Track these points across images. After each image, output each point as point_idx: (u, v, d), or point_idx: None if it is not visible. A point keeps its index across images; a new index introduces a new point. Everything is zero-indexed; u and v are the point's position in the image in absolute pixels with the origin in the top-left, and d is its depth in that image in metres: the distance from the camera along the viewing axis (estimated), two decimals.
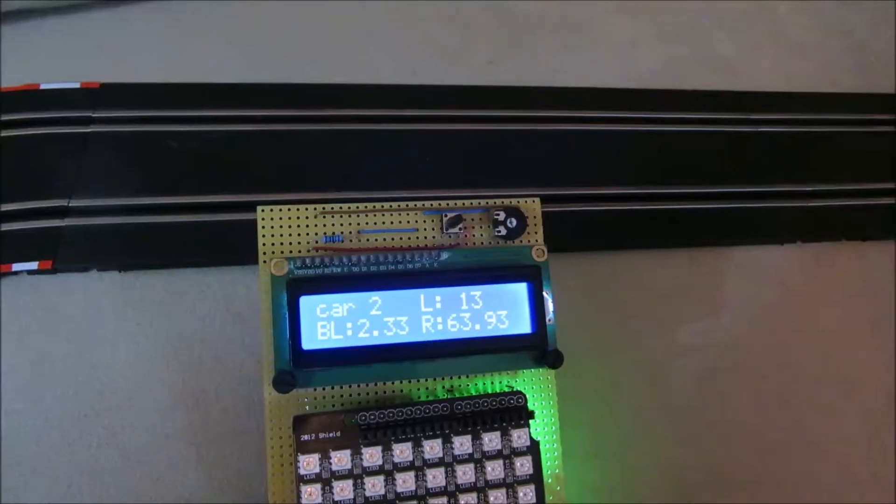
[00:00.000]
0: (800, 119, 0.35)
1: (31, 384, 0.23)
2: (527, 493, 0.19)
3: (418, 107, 0.31)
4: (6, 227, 0.26)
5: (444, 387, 0.20)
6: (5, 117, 0.29)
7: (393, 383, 0.19)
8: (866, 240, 0.32)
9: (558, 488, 0.20)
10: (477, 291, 0.19)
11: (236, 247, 0.26)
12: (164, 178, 0.28)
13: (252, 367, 0.23)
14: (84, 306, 0.25)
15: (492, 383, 0.20)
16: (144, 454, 0.23)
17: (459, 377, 0.20)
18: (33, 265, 0.25)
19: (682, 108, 0.34)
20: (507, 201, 0.21)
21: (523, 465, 0.19)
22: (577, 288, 0.28)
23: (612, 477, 0.24)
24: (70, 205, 0.27)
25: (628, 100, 0.34)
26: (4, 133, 0.28)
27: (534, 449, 0.19)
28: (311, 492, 0.18)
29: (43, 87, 0.30)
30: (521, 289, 0.19)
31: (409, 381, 0.19)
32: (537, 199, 0.21)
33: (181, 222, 0.27)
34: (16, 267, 0.25)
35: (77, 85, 0.30)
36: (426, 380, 0.19)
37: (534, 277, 0.19)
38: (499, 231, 0.20)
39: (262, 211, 0.20)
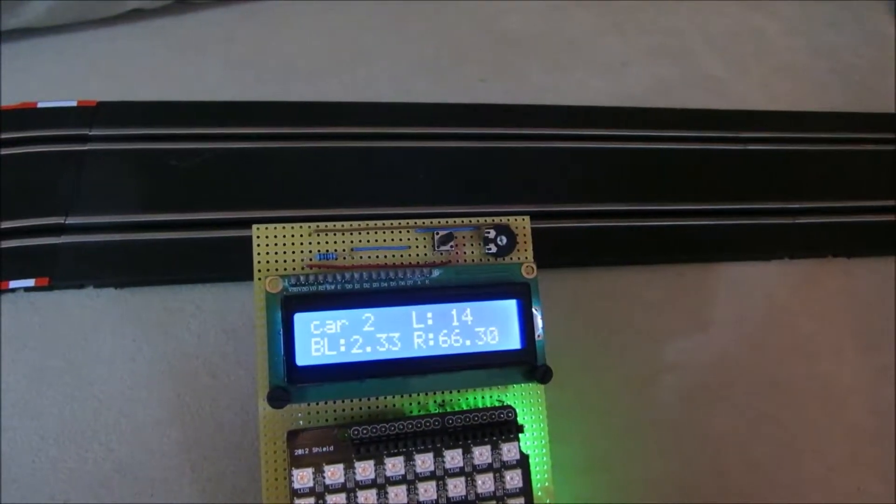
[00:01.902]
0: (787, 137, 0.36)
1: (29, 400, 0.23)
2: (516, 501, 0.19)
3: (412, 124, 0.31)
4: (4, 244, 0.26)
5: (435, 401, 0.20)
6: (2, 136, 0.29)
7: (385, 398, 0.20)
8: (851, 257, 0.33)
9: (548, 501, 0.21)
10: (467, 308, 0.20)
11: (231, 264, 0.26)
12: (161, 196, 0.28)
13: (247, 382, 0.24)
14: (81, 323, 0.25)
15: (482, 398, 0.20)
16: (140, 470, 0.23)
17: (451, 392, 0.20)
18: (30, 282, 0.26)
19: (671, 126, 0.35)
20: (497, 219, 0.21)
21: (513, 479, 0.19)
22: (566, 303, 0.28)
23: (601, 491, 0.24)
24: (67, 222, 0.27)
25: (618, 118, 0.35)
26: (2, 151, 0.29)
27: (523, 462, 0.19)
28: None
29: (40, 105, 0.31)
30: (510, 306, 0.20)
31: (402, 396, 0.20)
32: (527, 217, 0.22)
33: (177, 239, 0.27)
34: (13, 284, 0.25)
35: (74, 103, 0.31)
36: (418, 394, 0.20)
37: (523, 294, 0.20)
38: (489, 249, 0.21)
39: (257, 229, 0.20)
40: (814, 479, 0.27)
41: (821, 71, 0.40)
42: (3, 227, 0.27)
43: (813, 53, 0.41)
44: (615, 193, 0.32)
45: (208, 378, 0.24)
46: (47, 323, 0.25)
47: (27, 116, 0.30)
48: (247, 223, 0.21)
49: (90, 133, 0.30)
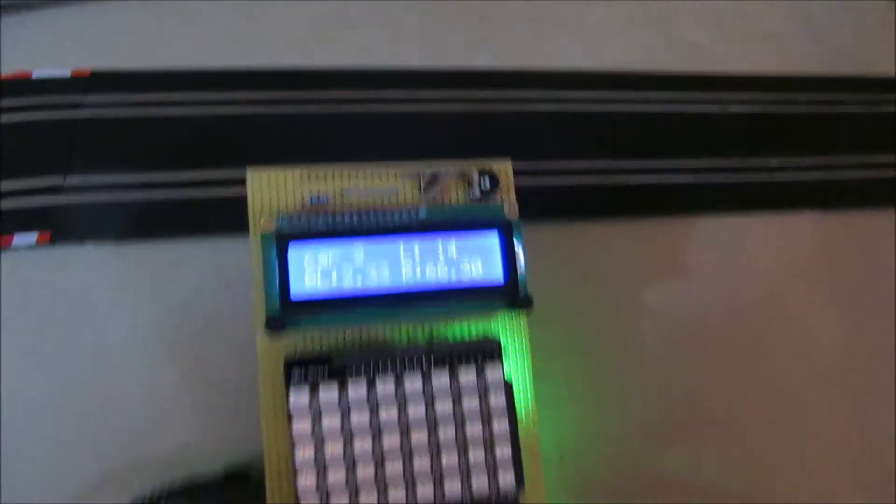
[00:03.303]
0: (766, 99, 0.37)
1: (30, 354, 0.24)
2: (500, 424, 0.20)
3: (398, 87, 0.32)
4: (6, 203, 0.27)
5: (423, 331, 0.21)
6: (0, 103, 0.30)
7: (376, 328, 0.21)
8: (827, 211, 0.34)
9: (531, 426, 0.22)
10: (452, 242, 0.21)
11: (225, 220, 0.28)
12: (155, 157, 0.29)
13: (243, 327, 0.25)
14: (81, 278, 0.26)
15: (468, 327, 0.21)
16: (142, 411, 0.24)
17: (437, 322, 0.21)
18: (32, 238, 0.27)
19: (652, 89, 0.36)
20: (480, 165, 0.22)
21: (497, 400, 0.21)
22: (550, 256, 0.29)
23: (582, 420, 0.26)
24: (66, 183, 0.28)
25: (601, 81, 0.36)
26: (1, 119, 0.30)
27: (507, 385, 0.21)
28: (301, 426, 0.19)
29: (35, 75, 0.31)
30: (493, 239, 0.21)
31: (391, 326, 0.21)
32: (509, 162, 0.23)
33: (172, 199, 0.28)
34: (16, 240, 0.26)
35: (68, 73, 0.32)
36: (407, 325, 0.21)
37: (505, 228, 0.21)
38: (473, 193, 0.22)
39: (252, 175, 0.21)
40: (785, 413, 0.28)
41: (801, 36, 0.41)
42: (3, 188, 0.28)
43: (793, 19, 0.42)
44: (598, 152, 0.33)
45: (206, 324, 0.26)
46: (49, 279, 0.26)
47: (23, 86, 0.31)
48: (240, 182, 0.22)
49: (85, 100, 0.31)
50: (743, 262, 0.32)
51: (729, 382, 0.28)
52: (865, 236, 0.34)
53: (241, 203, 0.21)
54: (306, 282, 0.20)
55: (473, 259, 0.21)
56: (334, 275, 0.20)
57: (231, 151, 0.29)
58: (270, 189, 0.21)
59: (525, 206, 0.23)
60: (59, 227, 0.27)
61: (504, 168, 0.23)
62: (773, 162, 0.35)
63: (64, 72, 0.32)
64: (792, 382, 0.29)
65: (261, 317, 0.20)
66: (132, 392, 0.24)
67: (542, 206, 0.30)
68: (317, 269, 0.20)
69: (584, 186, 0.32)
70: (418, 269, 0.20)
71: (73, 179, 0.28)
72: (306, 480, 0.19)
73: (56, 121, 0.30)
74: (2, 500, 0.22)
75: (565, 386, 0.27)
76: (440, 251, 0.21)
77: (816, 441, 0.28)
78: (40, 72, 0.31)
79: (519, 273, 0.21)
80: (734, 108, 0.36)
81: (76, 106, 0.30)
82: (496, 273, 0.21)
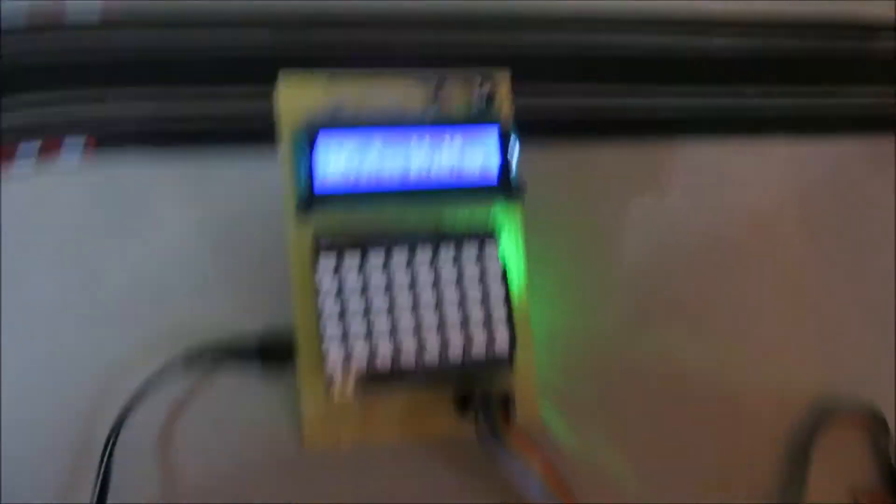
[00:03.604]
0: (752, 30, 0.40)
1: (78, 255, 0.28)
2: (496, 292, 0.24)
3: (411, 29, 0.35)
4: (54, 109, 0.30)
5: (431, 216, 0.25)
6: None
7: (391, 213, 0.24)
8: (801, 136, 0.37)
9: (523, 302, 0.26)
10: (458, 138, 0.24)
11: (256, 131, 0.31)
12: (191, 71, 0.32)
13: (274, 220, 0.28)
14: (123, 181, 0.30)
15: (470, 213, 0.25)
16: (182, 297, 0.27)
17: (444, 208, 0.25)
18: (80, 143, 0.30)
19: (642, 23, 0.38)
20: (483, 73, 0.26)
21: (494, 278, 0.24)
22: (547, 174, 0.32)
23: (570, 310, 0.29)
24: (106, 94, 0.31)
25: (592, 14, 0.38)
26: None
27: (502, 267, 0.24)
28: (327, 295, 0.23)
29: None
30: (492, 136, 0.24)
31: (405, 211, 0.24)
32: (507, 72, 0.26)
33: (206, 112, 0.31)
34: (65, 143, 0.30)
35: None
36: (418, 210, 0.25)
37: (503, 126, 0.24)
38: (476, 96, 0.25)
39: (283, 79, 0.24)
40: (753, 314, 0.32)
41: None
42: (51, 96, 0.31)
43: None
44: (593, 80, 0.36)
45: (238, 225, 0.29)
46: (93, 184, 0.30)
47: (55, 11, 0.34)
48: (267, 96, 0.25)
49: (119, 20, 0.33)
50: (721, 182, 0.35)
51: (704, 285, 0.32)
52: (838, 162, 0.37)
53: (269, 115, 0.24)
54: (331, 169, 0.23)
55: (475, 153, 0.24)
56: (355, 163, 0.23)
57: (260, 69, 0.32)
58: (299, 91, 0.24)
59: (525, 129, 0.26)
60: (105, 134, 0.30)
61: (503, 77, 0.26)
62: (751, 91, 0.37)
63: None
64: (761, 287, 0.32)
65: (291, 203, 0.24)
66: (177, 280, 0.28)
67: (540, 128, 0.33)
68: (340, 159, 0.23)
69: (579, 110, 0.35)
70: (427, 161, 0.24)
71: (115, 90, 0.31)
72: (332, 341, 0.23)
73: (94, 38, 0.33)
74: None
75: (557, 282, 0.30)
76: (446, 146, 0.24)
77: (777, 339, 0.31)
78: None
79: (513, 166, 0.25)
80: (718, 41, 0.39)
81: (115, 25, 0.33)
82: (493, 165, 0.24)
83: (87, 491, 0.23)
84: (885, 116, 0.38)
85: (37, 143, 0.30)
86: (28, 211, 0.28)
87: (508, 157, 0.24)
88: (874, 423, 0.28)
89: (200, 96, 0.31)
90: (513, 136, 0.25)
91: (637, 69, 0.37)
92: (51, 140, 0.30)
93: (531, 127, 0.27)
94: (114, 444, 0.23)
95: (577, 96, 0.35)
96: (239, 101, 0.31)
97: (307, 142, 0.23)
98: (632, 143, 0.35)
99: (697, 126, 0.36)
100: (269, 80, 0.26)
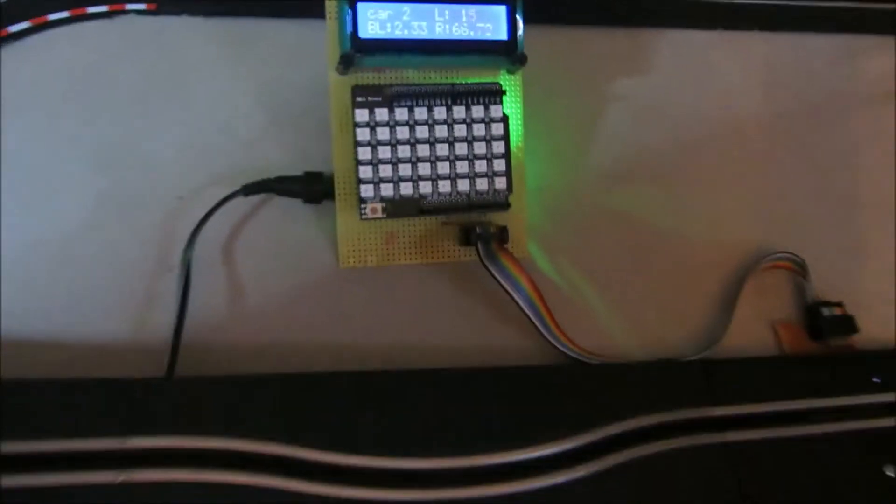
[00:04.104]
0: None
1: (145, 100, 0.33)
2: (498, 145, 0.29)
3: None
4: None
5: (448, 77, 0.30)
6: None
7: (415, 73, 0.29)
8: (771, 31, 0.41)
9: (519, 154, 0.31)
10: (473, 10, 0.29)
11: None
12: None
13: (319, 78, 0.32)
14: (179, 42, 0.34)
15: (479, 77, 0.30)
16: (238, 140, 0.32)
17: (458, 71, 0.30)
18: (142, 6, 0.34)
19: None
20: None
21: (497, 129, 0.30)
22: (544, 50, 0.37)
23: (558, 167, 0.35)
24: None
25: None
26: None
27: (505, 119, 0.30)
28: (363, 135, 0.28)
29: None
30: (501, 9, 0.29)
31: (426, 72, 0.29)
32: None
33: None
34: (129, 6, 0.34)
35: None
36: (437, 71, 0.30)
37: (511, 1, 0.29)
38: None
39: None
40: (715, 174, 0.37)
41: None
42: None
43: None
44: None
45: (283, 83, 0.34)
46: (151, 42, 0.34)
47: None
48: None
49: None
50: (699, 67, 0.40)
51: (674, 152, 0.37)
52: (802, 55, 0.42)
53: None
54: (369, 30, 0.28)
55: (486, 23, 0.29)
56: (388, 27, 0.28)
57: None
58: None
59: (530, 9, 0.30)
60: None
61: None
62: None
63: None
64: (722, 158, 0.38)
65: (333, 58, 0.29)
66: (233, 128, 0.33)
67: (543, 10, 0.37)
68: (375, 24, 0.28)
69: None
70: (447, 27, 0.28)
71: None
72: (364, 174, 0.29)
73: None
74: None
75: (549, 142, 0.35)
76: (463, 15, 0.28)
77: (728, 199, 0.37)
78: None
79: (519, 36, 0.29)
80: None
81: None
82: (502, 34, 0.29)
83: (167, 294, 0.29)
84: (845, 19, 0.42)
85: (104, 7, 0.34)
86: (101, 60, 0.33)
87: (514, 31, 0.29)
88: (796, 268, 0.35)
89: None
90: (519, 14, 0.29)
91: None
92: (114, 5, 0.34)
93: (536, 8, 0.31)
94: (192, 250, 0.29)
95: None
96: None
97: (349, 6, 0.27)
98: (623, 28, 0.39)
99: (682, 17, 0.40)
100: None
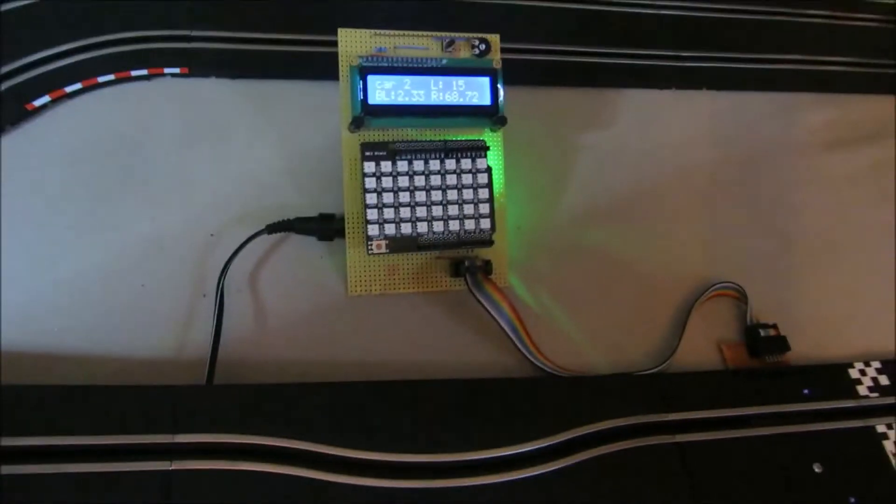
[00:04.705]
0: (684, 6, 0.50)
1: (181, 154, 0.38)
2: (483, 192, 0.35)
3: None
4: (149, 45, 0.40)
5: (441, 135, 0.35)
6: None
7: (414, 131, 0.35)
8: (716, 90, 0.48)
9: (501, 199, 0.37)
10: (462, 80, 0.34)
11: (316, 66, 0.41)
12: (259, 21, 0.42)
13: (332, 134, 0.37)
14: (210, 99, 0.40)
15: (468, 135, 0.36)
16: (260, 185, 0.38)
17: (449, 130, 0.36)
18: (176, 70, 0.40)
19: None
20: (480, 36, 0.36)
21: (482, 178, 0.35)
22: (521, 110, 0.43)
23: (535, 210, 0.41)
24: (191, 34, 0.41)
25: None
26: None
27: (489, 170, 0.35)
28: (370, 184, 0.34)
29: None
30: (485, 80, 0.35)
31: (423, 131, 0.35)
32: (497, 35, 0.36)
33: (278, 50, 0.41)
34: (166, 70, 0.40)
35: None
36: (431, 130, 0.35)
37: (494, 74, 0.35)
38: (475, 51, 0.36)
39: (342, 32, 0.34)
40: (669, 215, 0.43)
41: None
42: (149, 34, 0.40)
43: None
44: (557, 41, 0.46)
45: (300, 139, 0.39)
46: (186, 101, 0.40)
47: None
48: (322, 42, 0.35)
49: None
50: (654, 121, 0.46)
51: (634, 195, 0.43)
52: (743, 111, 0.48)
53: (324, 56, 0.34)
54: (376, 97, 0.33)
55: (473, 91, 0.35)
56: (392, 94, 0.34)
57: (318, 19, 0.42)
58: (351, 41, 0.35)
59: (509, 76, 0.36)
60: (192, 64, 0.40)
61: (494, 38, 0.36)
62: (683, 53, 0.48)
63: None
64: (675, 200, 0.44)
65: (346, 120, 0.34)
66: (256, 176, 0.38)
67: (520, 76, 0.44)
68: (383, 90, 0.34)
69: (549, 63, 0.45)
70: (441, 94, 0.34)
71: (197, 32, 0.41)
72: (371, 216, 0.34)
73: None
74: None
75: (527, 188, 0.41)
76: (454, 85, 0.34)
77: (681, 235, 0.43)
78: None
79: (500, 102, 0.35)
80: (665, 11, 0.49)
81: None
82: (486, 100, 0.35)
83: (201, 316, 0.34)
84: (782, 79, 0.49)
85: (144, 71, 0.39)
86: (143, 116, 0.38)
87: (496, 97, 0.35)
88: (738, 295, 0.40)
89: (272, 41, 0.41)
90: (500, 82, 0.35)
91: (593, 32, 0.47)
92: (153, 69, 0.40)
93: (514, 75, 0.37)
94: (224, 279, 0.34)
95: (548, 54, 0.45)
96: (301, 46, 0.41)
97: (360, 78, 0.33)
98: (590, 88, 0.45)
99: (640, 78, 0.47)
100: (327, 32, 0.36)
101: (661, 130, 0.46)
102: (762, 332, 0.39)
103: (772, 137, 0.47)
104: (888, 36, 0.55)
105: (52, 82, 0.38)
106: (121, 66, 0.39)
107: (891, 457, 0.36)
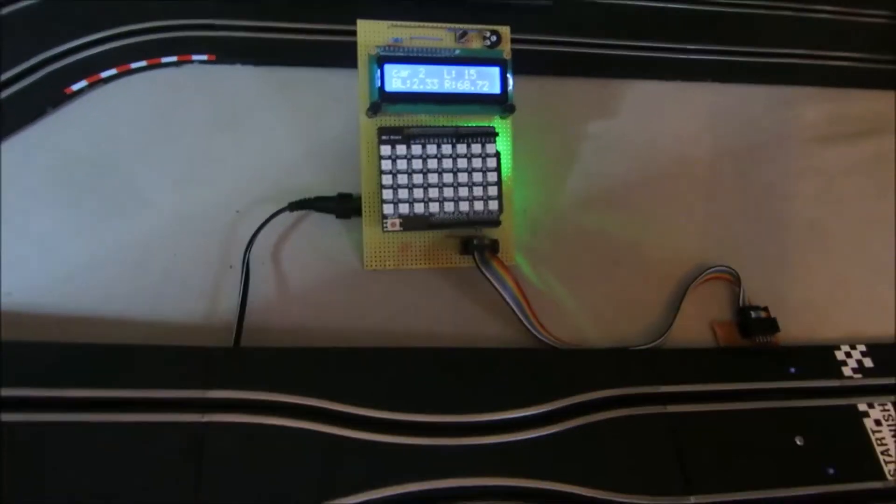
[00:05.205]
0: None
1: (208, 136, 0.41)
2: (491, 175, 0.37)
3: None
4: (180, 33, 0.42)
5: (453, 121, 0.38)
6: None
7: (428, 118, 0.37)
8: (718, 82, 0.50)
9: (509, 183, 0.39)
10: (474, 70, 0.37)
11: (336, 55, 0.43)
12: (286, 8, 0.44)
13: (350, 118, 0.40)
14: (234, 84, 0.42)
15: (478, 122, 0.38)
16: (282, 167, 0.41)
17: (461, 117, 0.38)
18: (204, 57, 0.42)
19: None
20: (491, 27, 0.38)
21: (491, 162, 0.38)
22: (529, 98, 0.45)
23: (539, 194, 0.43)
24: (217, 23, 0.43)
25: None
26: None
27: (497, 155, 0.38)
28: (386, 167, 0.36)
29: None
30: (496, 69, 0.37)
31: (437, 117, 0.37)
32: (507, 27, 0.38)
33: (300, 39, 0.44)
34: (195, 57, 0.42)
35: None
36: (445, 117, 0.38)
37: (504, 64, 0.37)
38: (486, 42, 0.38)
39: (360, 23, 0.37)
40: (664, 201, 0.45)
41: None
42: (180, 23, 0.43)
43: None
44: (564, 33, 0.48)
45: (320, 123, 0.42)
46: (212, 86, 0.42)
47: None
48: (342, 32, 0.37)
49: None
50: (657, 112, 0.48)
51: (634, 181, 0.45)
52: (743, 103, 0.50)
53: (344, 45, 0.37)
54: (392, 84, 0.36)
55: (484, 80, 0.37)
56: (408, 82, 0.36)
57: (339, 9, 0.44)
58: (369, 32, 0.37)
59: (518, 66, 0.38)
60: (218, 52, 0.43)
61: (504, 30, 0.38)
62: (688, 45, 0.50)
63: None
64: (674, 186, 0.46)
65: (364, 105, 0.37)
66: (279, 158, 0.41)
67: (528, 67, 0.46)
68: (399, 78, 0.36)
69: (556, 54, 0.48)
70: (454, 83, 0.37)
71: (220, 21, 0.43)
72: (386, 196, 0.37)
73: None
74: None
75: (533, 173, 0.43)
76: (466, 74, 0.37)
77: (678, 220, 0.45)
78: None
79: (509, 90, 0.37)
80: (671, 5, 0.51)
81: None
82: (496, 89, 0.37)
83: (229, 286, 0.37)
84: (781, 72, 0.51)
85: (174, 58, 0.42)
86: (173, 100, 0.41)
87: (506, 87, 0.37)
88: (731, 278, 0.43)
89: (295, 31, 0.43)
90: (510, 71, 0.38)
91: (602, 26, 0.49)
92: (182, 56, 0.42)
93: (519, 64, 0.39)
94: (249, 252, 0.37)
95: (556, 45, 0.47)
96: (322, 35, 0.44)
97: (378, 66, 0.36)
98: (596, 79, 0.48)
99: (644, 69, 0.49)
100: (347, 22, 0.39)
101: (663, 121, 0.48)
102: (753, 314, 0.41)
103: (771, 129, 0.49)
104: (889, 32, 0.56)
105: (89, 68, 0.41)
106: (152, 53, 0.42)
107: (870, 433, 0.38)
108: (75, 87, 0.40)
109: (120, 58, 0.41)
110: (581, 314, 0.41)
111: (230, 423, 0.31)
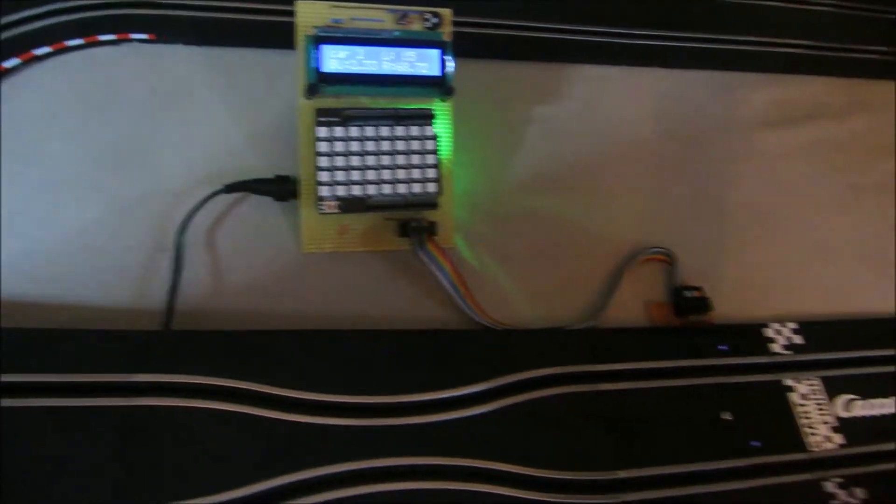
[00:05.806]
0: None
1: (143, 116, 0.40)
2: (430, 157, 0.38)
3: None
4: (119, 11, 0.41)
5: (392, 103, 0.38)
6: None
7: (366, 99, 0.37)
8: (664, 67, 0.51)
9: (448, 164, 0.39)
10: (413, 52, 0.37)
11: (281, 36, 0.42)
12: None
13: (289, 100, 0.40)
14: (175, 68, 0.42)
15: (417, 104, 0.38)
16: (222, 147, 0.40)
17: (401, 98, 0.38)
18: (144, 36, 0.41)
19: None
20: (432, 9, 0.38)
21: (430, 145, 0.38)
22: (470, 81, 0.45)
23: (482, 176, 0.43)
24: (160, 1, 0.42)
25: None
26: None
27: (435, 137, 0.38)
28: (323, 148, 0.36)
29: None
30: (435, 51, 0.37)
31: (375, 98, 0.37)
32: (449, 9, 0.38)
33: (243, 19, 0.43)
34: (133, 35, 0.41)
35: None
36: (383, 98, 0.38)
37: (443, 46, 0.37)
38: (426, 24, 0.38)
39: (299, 5, 0.36)
40: (614, 182, 0.46)
41: None
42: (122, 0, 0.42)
43: None
44: (508, 16, 0.48)
45: (258, 104, 0.41)
46: (153, 65, 0.41)
47: None
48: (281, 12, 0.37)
49: None
50: (603, 97, 0.49)
51: (579, 165, 0.46)
52: (687, 88, 0.51)
53: (286, 25, 0.36)
54: (330, 65, 0.36)
55: (423, 62, 0.37)
56: (346, 63, 0.36)
57: None
58: (310, 13, 0.37)
59: (459, 49, 0.38)
60: (160, 31, 0.42)
61: (446, 12, 0.38)
62: (635, 31, 0.51)
63: None
64: (618, 169, 0.47)
65: (302, 87, 0.37)
66: (216, 138, 0.40)
67: (470, 49, 0.46)
68: (336, 59, 0.36)
69: (499, 37, 0.48)
70: (393, 64, 0.37)
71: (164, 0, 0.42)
72: (323, 178, 0.37)
73: None
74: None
75: (474, 155, 0.44)
76: (405, 56, 0.37)
77: (619, 202, 0.46)
78: None
79: (448, 73, 0.38)
80: None
81: None
82: (435, 71, 0.37)
83: (162, 270, 0.37)
84: (725, 58, 0.52)
85: (112, 36, 0.41)
86: (110, 80, 0.40)
87: (445, 69, 0.38)
88: (667, 259, 0.44)
89: (237, 10, 0.43)
90: (449, 54, 0.38)
91: (548, 10, 0.49)
92: (121, 34, 0.41)
93: (463, 48, 0.39)
94: (184, 234, 0.37)
95: (499, 28, 0.47)
96: (265, 15, 0.43)
97: (315, 47, 0.35)
98: (540, 63, 0.48)
99: (589, 53, 0.49)
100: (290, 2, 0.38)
101: (609, 105, 0.48)
102: (687, 294, 0.43)
103: (715, 114, 0.50)
104: (831, 18, 0.57)
105: (22, 45, 0.40)
106: (89, 30, 0.41)
107: (794, 407, 0.40)
108: (7, 64, 0.39)
109: (55, 35, 0.41)
110: (519, 295, 0.41)
111: (158, 406, 0.31)
